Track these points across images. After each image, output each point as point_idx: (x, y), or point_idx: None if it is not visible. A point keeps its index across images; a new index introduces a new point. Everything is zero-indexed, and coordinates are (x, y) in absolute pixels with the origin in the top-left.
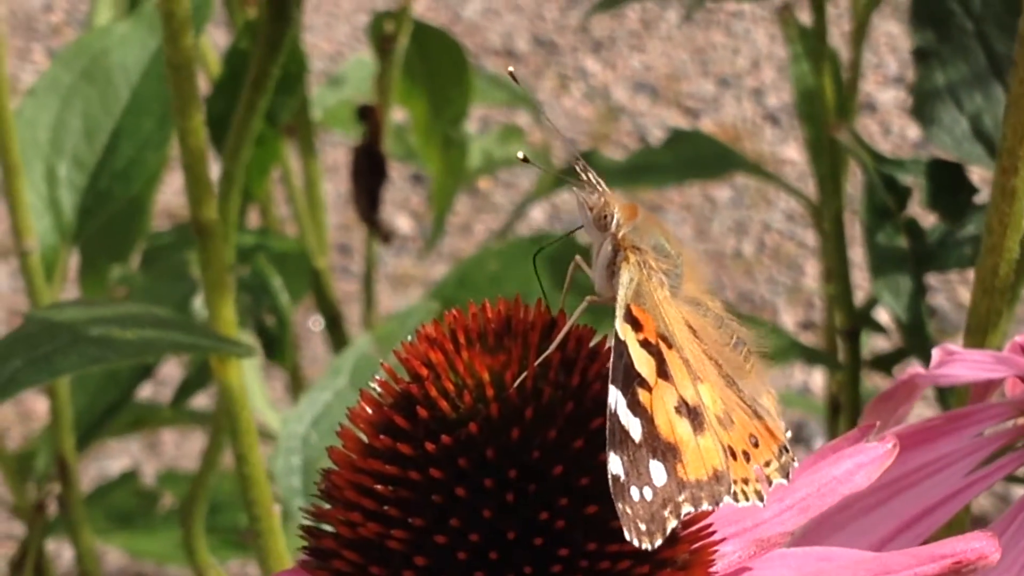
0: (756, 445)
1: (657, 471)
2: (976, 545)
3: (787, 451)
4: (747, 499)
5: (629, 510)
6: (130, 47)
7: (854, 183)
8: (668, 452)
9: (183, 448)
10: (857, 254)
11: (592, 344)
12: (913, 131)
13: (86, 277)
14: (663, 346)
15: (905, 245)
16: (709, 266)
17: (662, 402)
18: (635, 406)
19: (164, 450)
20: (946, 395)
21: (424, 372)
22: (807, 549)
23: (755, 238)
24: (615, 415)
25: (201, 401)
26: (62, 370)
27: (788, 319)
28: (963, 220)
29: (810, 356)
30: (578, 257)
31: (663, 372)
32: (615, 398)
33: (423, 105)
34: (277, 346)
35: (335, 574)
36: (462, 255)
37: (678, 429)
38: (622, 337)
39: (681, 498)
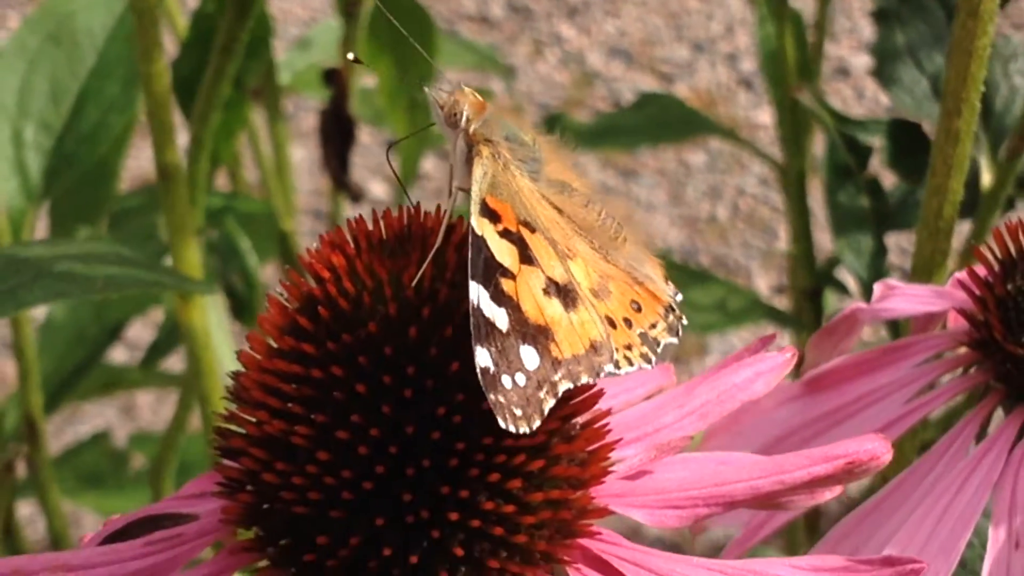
0: (639, 310)
1: (528, 355)
2: (869, 446)
3: (673, 311)
4: (631, 364)
5: (502, 399)
6: (96, 11)
7: (823, 149)
8: (539, 335)
9: (159, 413)
10: (825, 216)
11: None
12: (887, 96)
13: (55, 239)
14: (525, 232)
15: (866, 204)
16: (682, 230)
17: (527, 287)
18: (499, 296)
19: (140, 414)
20: (899, 331)
21: (326, 275)
22: (707, 454)
23: (729, 202)
24: (478, 309)
25: (175, 366)
26: (26, 303)
27: (762, 283)
28: (923, 179)
29: (774, 316)
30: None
31: (526, 257)
32: (476, 292)
33: (389, 67)
34: (246, 308)
35: (244, 472)
36: None
37: (548, 310)
38: (479, 232)
39: (557, 376)
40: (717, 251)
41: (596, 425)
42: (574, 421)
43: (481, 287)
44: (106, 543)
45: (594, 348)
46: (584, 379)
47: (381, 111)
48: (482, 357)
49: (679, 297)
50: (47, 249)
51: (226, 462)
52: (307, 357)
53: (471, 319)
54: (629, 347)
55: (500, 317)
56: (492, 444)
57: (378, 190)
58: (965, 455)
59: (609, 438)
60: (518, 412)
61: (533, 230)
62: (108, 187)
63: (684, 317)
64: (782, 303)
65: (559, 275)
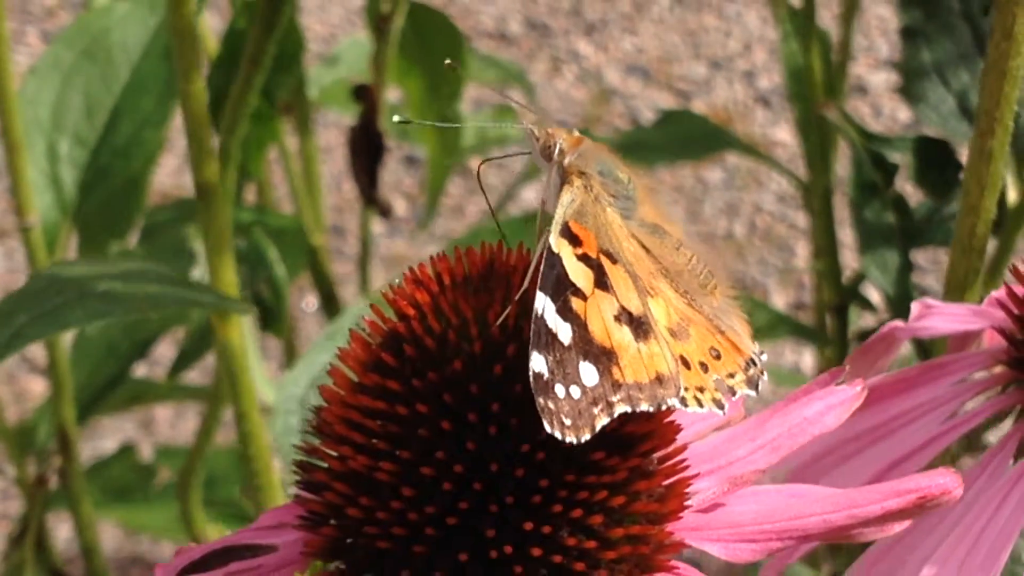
0: (718, 357)
1: (588, 371)
2: (940, 481)
3: (755, 364)
4: (701, 406)
5: (552, 405)
6: (130, 26)
7: (845, 166)
8: (602, 355)
9: (178, 427)
10: (847, 236)
11: None
12: (904, 113)
13: (84, 253)
14: (605, 261)
15: (892, 221)
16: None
17: (598, 310)
18: (566, 312)
19: (158, 429)
20: (927, 351)
21: (411, 312)
22: (779, 487)
23: (746, 219)
24: (541, 319)
25: (195, 380)
26: (69, 323)
27: (779, 300)
28: (949, 196)
29: (798, 331)
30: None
31: (602, 284)
32: (543, 303)
33: (419, 84)
34: (273, 318)
35: (326, 506)
36: (455, 236)
37: (616, 335)
38: (556, 250)
39: (616, 398)
40: (734, 268)
41: (674, 460)
42: (653, 456)
43: (548, 299)
44: (184, 575)
45: (659, 380)
46: (644, 407)
47: (406, 128)
48: (537, 363)
49: (764, 356)
50: (87, 268)
51: (308, 495)
52: (392, 394)
53: (532, 326)
54: (701, 389)
55: (564, 330)
56: (575, 481)
57: (398, 207)
58: (1002, 475)
59: (686, 473)
60: (567, 422)
61: (615, 261)
62: (138, 201)
63: (765, 373)
64: (800, 321)
65: (634, 307)
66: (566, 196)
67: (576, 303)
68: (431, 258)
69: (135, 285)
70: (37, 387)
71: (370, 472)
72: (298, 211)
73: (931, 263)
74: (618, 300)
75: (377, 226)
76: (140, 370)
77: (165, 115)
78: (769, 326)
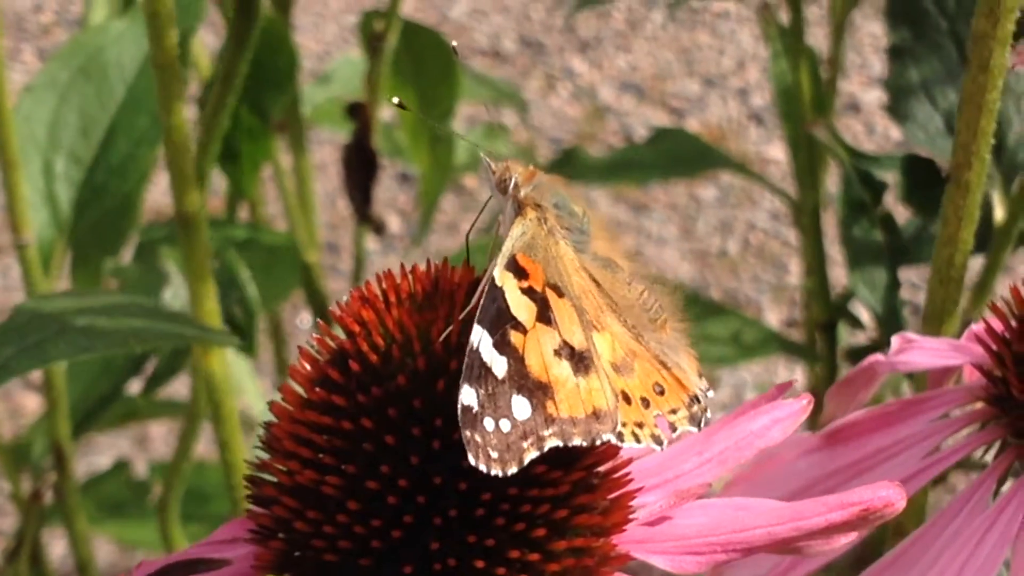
0: (661, 393)
1: (520, 405)
2: (883, 493)
3: (698, 402)
4: (639, 441)
5: (479, 438)
6: (125, 45)
7: (835, 184)
8: (537, 389)
9: (172, 444)
10: (838, 253)
11: None
12: (897, 131)
13: (78, 270)
14: (551, 294)
15: (881, 239)
16: (692, 264)
17: (537, 344)
18: (503, 345)
19: (153, 446)
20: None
21: (356, 329)
22: (726, 500)
23: (740, 237)
24: (476, 352)
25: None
26: (52, 358)
27: (772, 317)
28: (937, 214)
29: (788, 348)
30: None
31: (545, 318)
32: (479, 336)
33: (411, 102)
34: (245, 338)
35: (275, 520)
36: (449, 253)
37: (553, 370)
38: (499, 283)
39: (548, 432)
40: (727, 286)
41: (617, 474)
42: (597, 470)
43: (486, 332)
44: None
45: (596, 415)
46: (576, 441)
47: (399, 145)
48: (467, 396)
49: (710, 394)
50: (71, 302)
51: (258, 509)
52: (338, 409)
53: (466, 359)
54: (640, 425)
55: (499, 364)
56: (517, 494)
57: (392, 223)
58: (983, 510)
59: (630, 486)
60: (494, 455)
61: (561, 295)
62: (132, 218)
63: (709, 410)
64: (793, 338)
65: (577, 341)
66: (517, 229)
67: (515, 336)
68: (377, 275)
69: (117, 319)
70: (31, 403)
71: (317, 486)
72: (292, 228)
73: (923, 280)
74: (560, 334)
75: (371, 243)
76: (133, 386)
77: (159, 133)
78: (759, 343)
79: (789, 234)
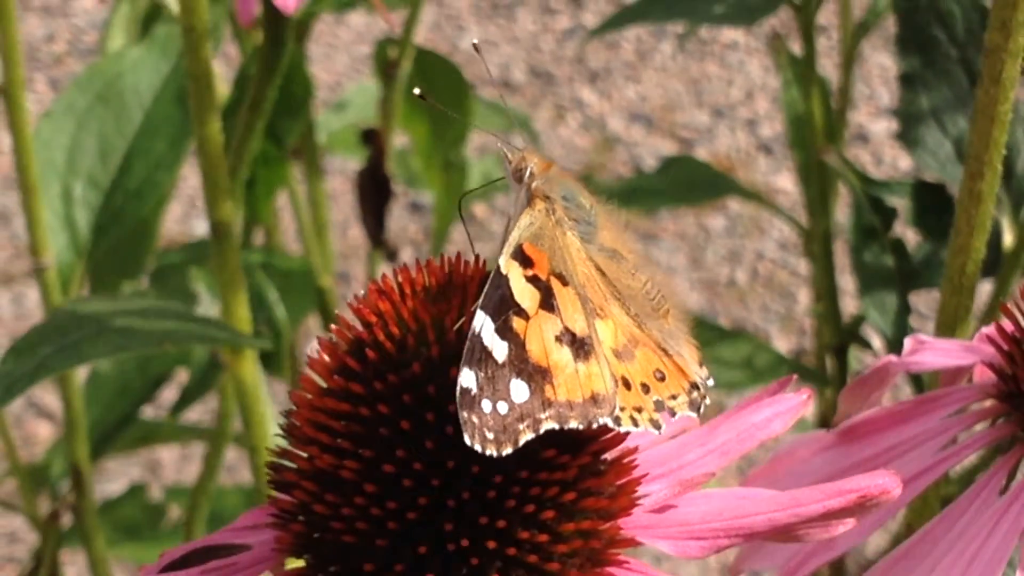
0: (662, 379)
1: (518, 389)
2: (880, 481)
3: (698, 388)
4: (636, 425)
5: (476, 419)
6: (143, 71)
7: (845, 213)
8: (536, 374)
9: (183, 471)
10: (847, 282)
11: None
12: (905, 161)
13: (97, 295)
14: (556, 282)
15: (891, 264)
16: (701, 293)
17: (539, 330)
18: (505, 331)
19: (164, 473)
20: (921, 385)
21: (373, 319)
22: (728, 489)
23: (748, 266)
24: (478, 336)
25: (200, 422)
26: (89, 356)
27: (781, 346)
28: (946, 239)
29: (798, 372)
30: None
31: (548, 305)
32: (481, 322)
33: (425, 128)
34: (274, 359)
35: (296, 504)
36: None
37: (554, 355)
38: (504, 271)
39: (544, 415)
40: (736, 315)
41: (624, 461)
42: (603, 457)
43: (488, 318)
44: (165, 571)
45: (594, 400)
46: (573, 424)
47: (413, 172)
48: (466, 378)
49: (710, 382)
50: (106, 304)
51: (279, 495)
52: (355, 396)
53: (467, 343)
54: (639, 409)
55: (499, 348)
56: (528, 477)
57: (403, 253)
58: (992, 505)
59: (636, 473)
60: (490, 436)
61: (566, 283)
62: (149, 243)
63: (708, 398)
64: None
65: (579, 328)
66: (525, 219)
67: (517, 322)
68: (393, 269)
69: (152, 321)
70: (44, 431)
71: (335, 470)
72: (306, 254)
73: (931, 310)
74: (562, 321)
75: (383, 271)
76: (146, 412)
77: (177, 158)
78: (770, 367)
79: (798, 264)
